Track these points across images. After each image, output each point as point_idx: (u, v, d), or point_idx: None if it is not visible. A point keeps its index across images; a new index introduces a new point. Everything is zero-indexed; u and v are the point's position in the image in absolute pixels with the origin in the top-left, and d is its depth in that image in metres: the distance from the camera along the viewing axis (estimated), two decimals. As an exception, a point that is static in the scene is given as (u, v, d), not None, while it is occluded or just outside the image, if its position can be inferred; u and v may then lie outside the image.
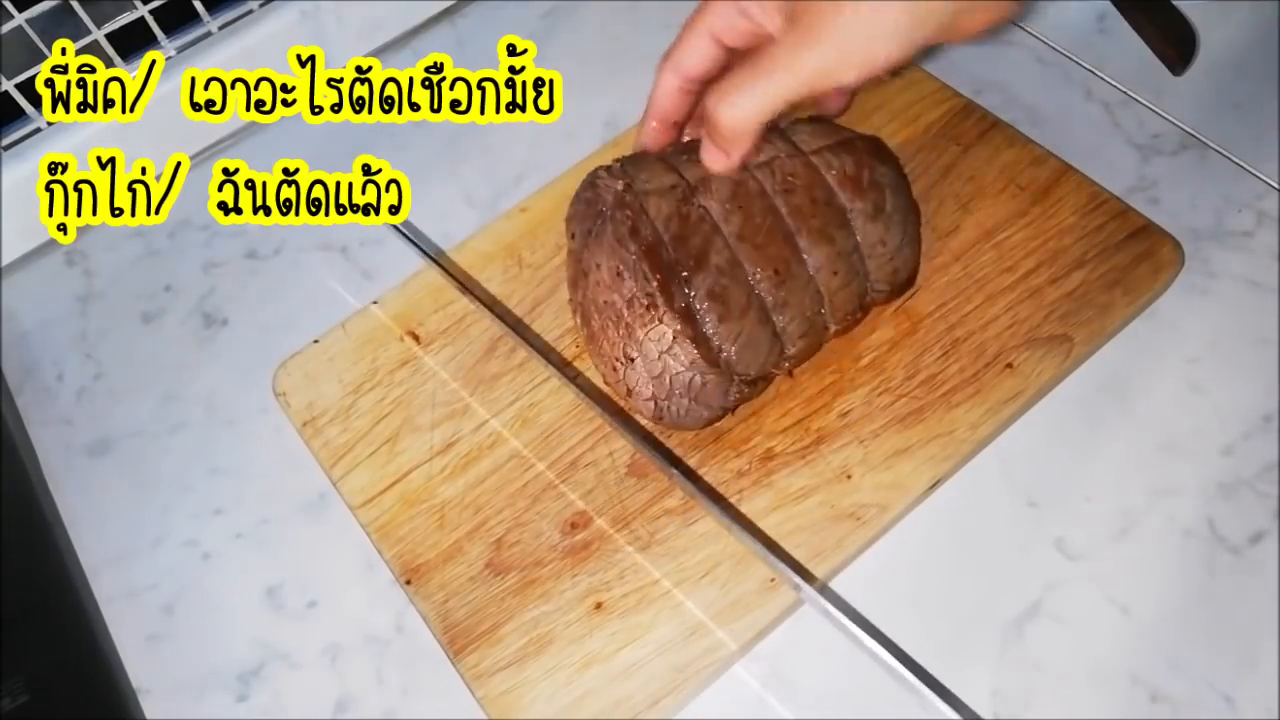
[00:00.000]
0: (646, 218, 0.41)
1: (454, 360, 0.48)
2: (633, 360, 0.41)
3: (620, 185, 0.42)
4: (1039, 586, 0.42)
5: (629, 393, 0.42)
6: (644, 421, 0.45)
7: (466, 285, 0.47)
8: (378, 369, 0.48)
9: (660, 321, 0.40)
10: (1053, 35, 0.56)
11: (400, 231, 0.48)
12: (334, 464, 0.46)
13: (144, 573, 0.46)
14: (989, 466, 0.45)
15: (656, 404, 0.42)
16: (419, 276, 0.50)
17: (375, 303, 0.50)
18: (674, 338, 0.40)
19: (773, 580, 0.41)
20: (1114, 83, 0.54)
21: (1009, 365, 0.45)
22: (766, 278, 0.41)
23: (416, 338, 0.49)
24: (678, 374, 0.41)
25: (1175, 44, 0.53)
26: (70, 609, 0.44)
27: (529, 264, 0.50)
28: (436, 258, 0.45)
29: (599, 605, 0.42)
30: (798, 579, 0.38)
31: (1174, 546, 0.42)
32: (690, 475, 0.44)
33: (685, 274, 0.40)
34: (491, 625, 0.41)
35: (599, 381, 0.46)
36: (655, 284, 0.40)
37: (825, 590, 0.41)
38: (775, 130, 0.44)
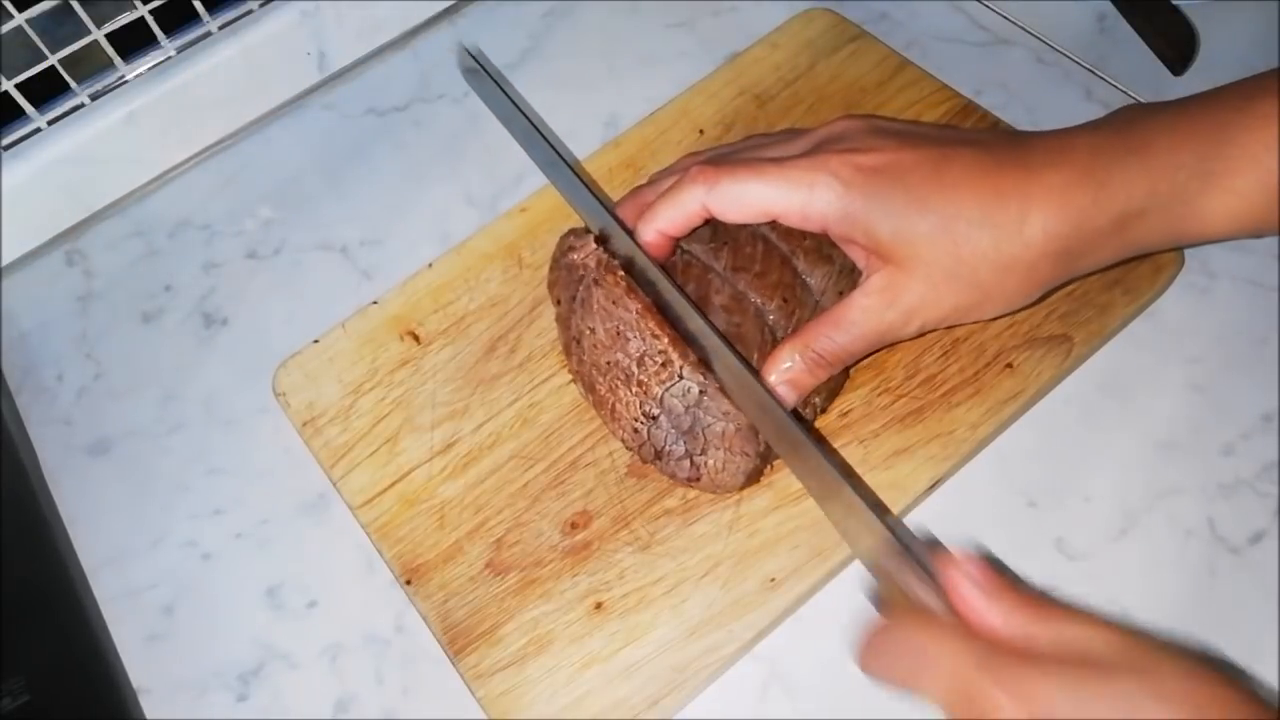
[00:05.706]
0: (634, 278, 0.40)
1: (454, 360, 0.48)
2: (655, 418, 0.40)
3: (601, 249, 0.41)
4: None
5: (658, 454, 0.41)
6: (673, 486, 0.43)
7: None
8: (378, 369, 0.48)
9: (680, 377, 0.39)
10: (1053, 35, 0.56)
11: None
12: (334, 464, 0.46)
13: (144, 573, 0.46)
14: (989, 466, 0.44)
15: (692, 460, 0.40)
16: (419, 276, 0.50)
17: (375, 303, 0.50)
18: (700, 390, 0.39)
19: (773, 580, 0.41)
20: (1114, 83, 0.54)
21: (1009, 365, 0.45)
22: (776, 307, 0.40)
23: (416, 338, 0.49)
24: (710, 425, 0.39)
25: (1175, 44, 0.53)
26: (70, 609, 0.44)
27: (529, 264, 0.50)
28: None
29: (599, 605, 0.42)
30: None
31: (1174, 546, 0.42)
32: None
33: None
34: (491, 625, 0.41)
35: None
36: (666, 340, 0.39)
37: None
38: None
